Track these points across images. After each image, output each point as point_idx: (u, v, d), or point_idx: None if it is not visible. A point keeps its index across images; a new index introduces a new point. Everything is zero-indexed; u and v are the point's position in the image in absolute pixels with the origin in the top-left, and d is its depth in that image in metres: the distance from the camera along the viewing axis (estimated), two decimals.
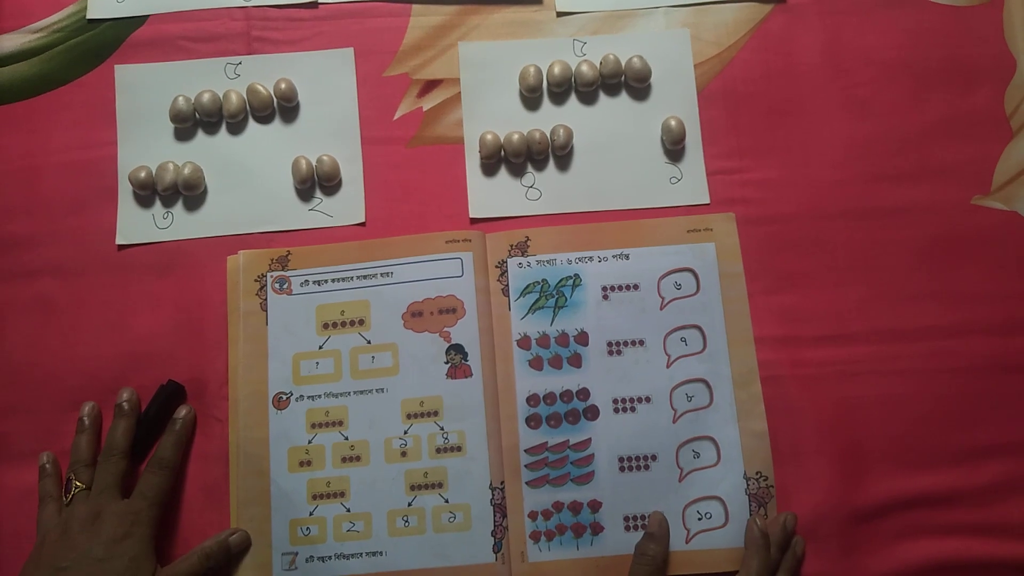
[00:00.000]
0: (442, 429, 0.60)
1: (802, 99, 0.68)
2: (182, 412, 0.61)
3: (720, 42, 0.69)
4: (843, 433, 0.61)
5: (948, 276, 0.64)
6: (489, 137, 0.66)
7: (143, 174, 0.65)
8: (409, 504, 0.59)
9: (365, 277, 0.63)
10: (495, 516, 0.59)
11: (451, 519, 0.59)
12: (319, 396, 0.61)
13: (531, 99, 0.68)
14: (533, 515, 0.59)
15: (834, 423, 0.61)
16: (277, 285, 0.63)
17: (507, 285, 0.63)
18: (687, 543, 0.58)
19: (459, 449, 0.60)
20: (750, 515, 0.58)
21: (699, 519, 0.59)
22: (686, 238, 0.64)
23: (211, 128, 0.68)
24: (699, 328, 0.62)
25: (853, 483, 0.60)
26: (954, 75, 0.68)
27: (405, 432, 0.60)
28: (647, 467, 0.60)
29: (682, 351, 0.62)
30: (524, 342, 0.62)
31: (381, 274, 0.63)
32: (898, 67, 0.68)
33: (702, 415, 0.60)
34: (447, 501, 0.59)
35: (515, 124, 0.67)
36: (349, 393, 0.61)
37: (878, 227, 0.65)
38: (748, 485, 0.59)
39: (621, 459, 0.60)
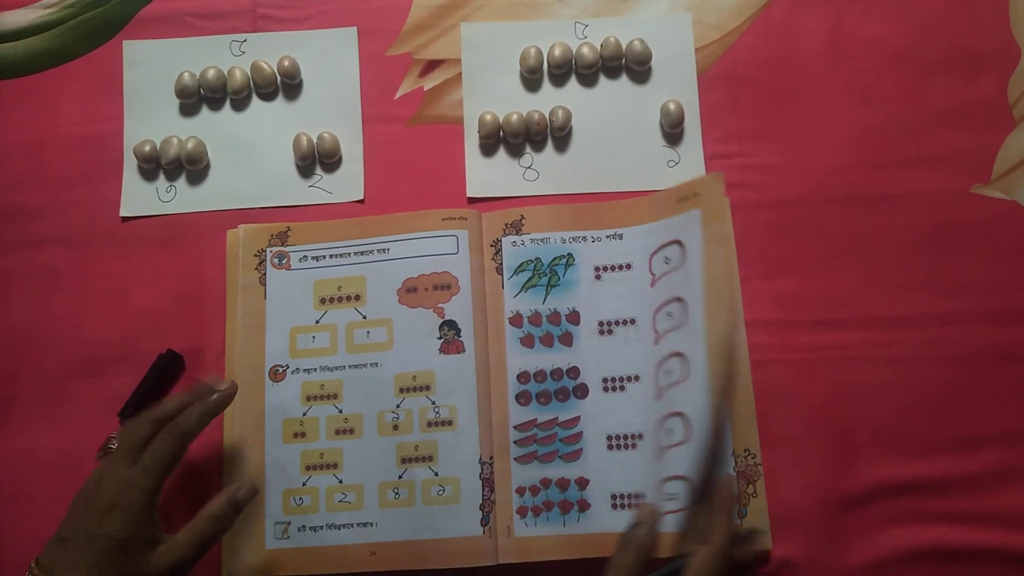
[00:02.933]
0: (434, 403, 0.61)
1: (803, 85, 0.68)
2: (223, 385, 0.56)
3: (722, 26, 0.69)
4: (834, 418, 0.61)
5: (945, 264, 0.64)
6: (488, 117, 0.66)
7: (148, 148, 0.66)
8: (400, 476, 0.60)
9: (362, 253, 0.64)
10: (483, 490, 0.59)
11: (440, 492, 0.59)
12: (314, 369, 0.62)
13: (531, 80, 0.68)
14: (521, 491, 0.60)
15: (826, 408, 0.61)
16: (276, 260, 0.64)
17: (501, 263, 0.64)
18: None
19: (450, 423, 0.60)
20: (736, 492, 0.58)
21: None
22: (675, 209, 0.63)
23: (215, 104, 0.69)
24: (682, 299, 0.60)
25: (843, 468, 0.60)
26: (958, 63, 0.67)
27: (397, 406, 0.61)
28: (634, 446, 0.60)
29: (668, 325, 0.61)
30: (516, 320, 0.62)
31: (377, 250, 0.64)
32: (901, 54, 0.68)
33: (682, 388, 0.59)
34: (437, 474, 0.60)
35: (515, 105, 0.67)
36: (344, 367, 0.62)
37: (877, 214, 0.65)
38: (736, 462, 0.59)
39: (609, 437, 0.60)
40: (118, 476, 0.51)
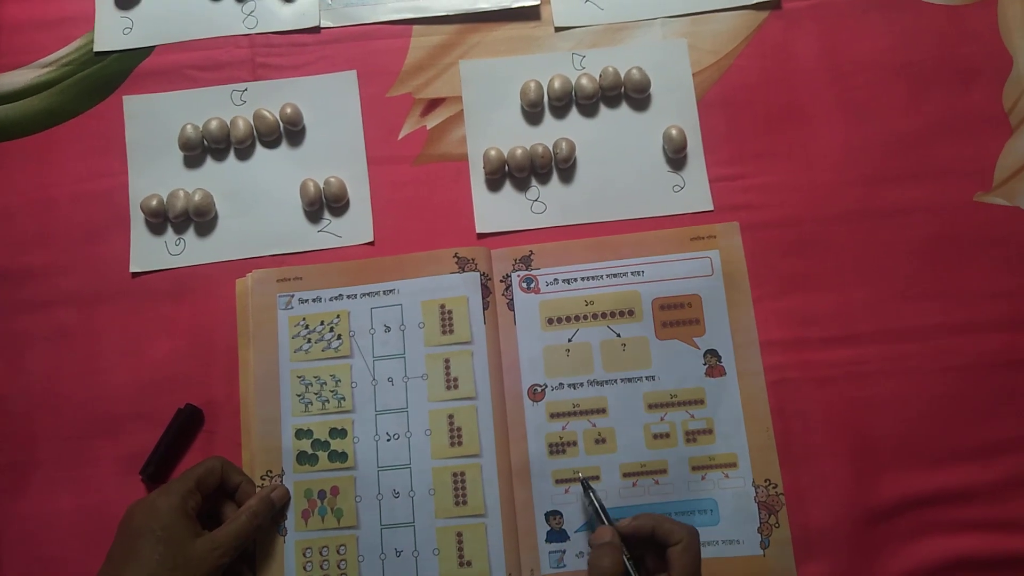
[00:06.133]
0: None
1: (800, 104, 0.68)
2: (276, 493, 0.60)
3: (717, 50, 0.70)
4: (854, 433, 0.61)
5: (953, 274, 0.64)
6: (493, 153, 0.66)
7: (154, 202, 0.66)
8: None
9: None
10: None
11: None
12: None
13: (533, 114, 0.69)
14: None
15: (845, 424, 0.61)
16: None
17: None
18: None
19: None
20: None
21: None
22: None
23: (219, 154, 0.69)
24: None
25: (865, 483, 0.60)
26: (951, 74, 0.68)
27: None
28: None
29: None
30: None
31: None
32: (894, 68, 0.69)
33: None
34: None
35: (518, 139, 0.68)
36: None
37: (881, 228, 0.65)
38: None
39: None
40: (139, 504, 0.55)
